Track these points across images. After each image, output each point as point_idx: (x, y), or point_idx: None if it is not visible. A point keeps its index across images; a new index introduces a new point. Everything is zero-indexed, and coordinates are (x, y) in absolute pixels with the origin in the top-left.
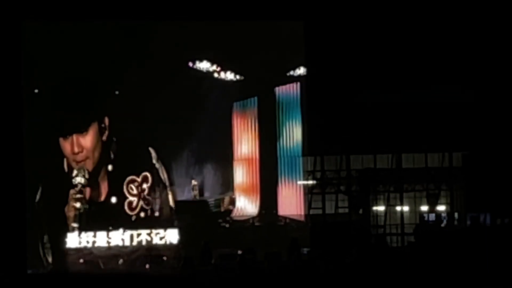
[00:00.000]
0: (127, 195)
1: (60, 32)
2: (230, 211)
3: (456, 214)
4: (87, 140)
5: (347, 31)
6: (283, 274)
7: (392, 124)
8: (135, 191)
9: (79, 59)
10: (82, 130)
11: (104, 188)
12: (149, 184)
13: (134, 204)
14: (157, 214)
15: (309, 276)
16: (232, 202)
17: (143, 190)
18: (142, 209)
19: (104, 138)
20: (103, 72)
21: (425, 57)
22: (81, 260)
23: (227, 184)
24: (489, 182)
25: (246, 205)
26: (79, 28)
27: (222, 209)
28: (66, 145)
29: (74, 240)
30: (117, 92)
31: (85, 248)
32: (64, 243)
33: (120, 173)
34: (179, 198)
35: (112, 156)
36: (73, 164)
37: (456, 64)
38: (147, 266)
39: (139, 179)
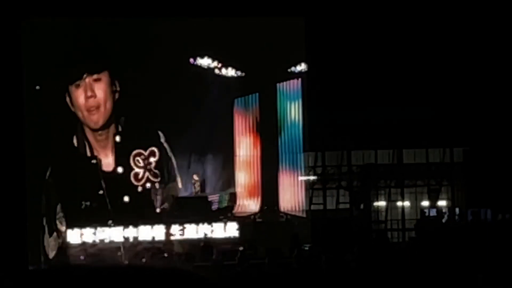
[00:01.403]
0: (134, 166)
1: (60, 28)
2: (232, 207)
3: (457, 210)
4: (100, 87)
5: (349, 27)
6: (284, 270)
7: (393, 120)
8: (141, 164)
9: (78, 54)
10: (94, 72)
11: (111, 159)
12: (156, 158)
13: (140, 175)
14: (161, 200)
15: (311, 272)
16: (234, 198)
17: (150, 163)
18: (148, 180)
19: (116, 96)
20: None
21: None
22: (83, 254)
23: (229, 180)
24: (490, 178)
25: (247, 201)
26: (78, 23)
27: (224, 205)
28: (78, 92)
29: (75, 237)
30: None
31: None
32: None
33: (127, 145)
34: (180, 194)
35: (120, 129)
36: (85, 114)
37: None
38: (148, 260)
39: (146, 153)
